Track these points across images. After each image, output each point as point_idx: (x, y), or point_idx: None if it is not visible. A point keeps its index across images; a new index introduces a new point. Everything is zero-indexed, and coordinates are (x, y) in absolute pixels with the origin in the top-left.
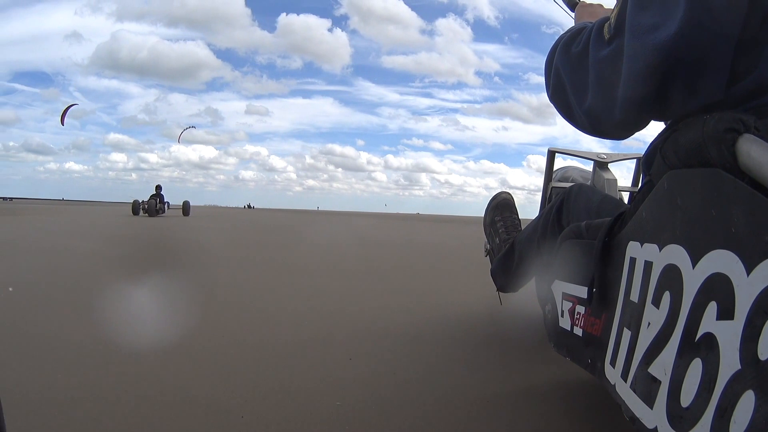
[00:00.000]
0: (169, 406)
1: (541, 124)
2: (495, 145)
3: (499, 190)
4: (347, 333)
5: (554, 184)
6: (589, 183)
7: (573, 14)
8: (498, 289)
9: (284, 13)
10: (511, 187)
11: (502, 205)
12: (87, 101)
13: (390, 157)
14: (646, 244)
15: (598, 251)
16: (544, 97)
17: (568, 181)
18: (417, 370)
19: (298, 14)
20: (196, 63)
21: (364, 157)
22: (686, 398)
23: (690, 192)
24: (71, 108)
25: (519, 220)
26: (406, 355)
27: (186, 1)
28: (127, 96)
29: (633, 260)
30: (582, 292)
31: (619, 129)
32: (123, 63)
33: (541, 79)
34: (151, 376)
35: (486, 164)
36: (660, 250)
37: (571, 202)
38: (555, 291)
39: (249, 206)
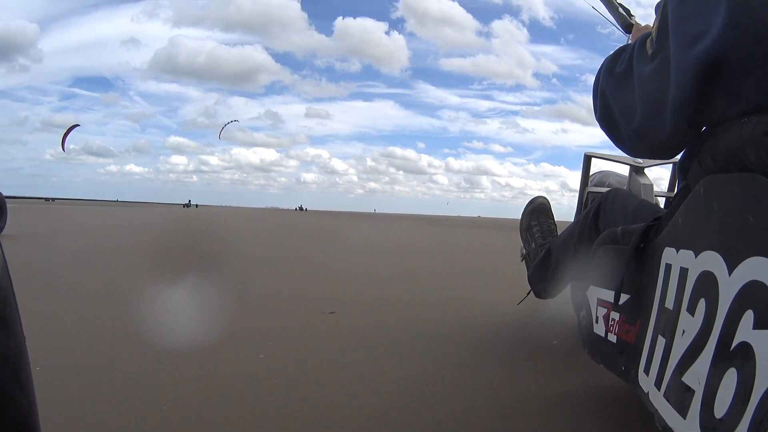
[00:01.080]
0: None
1: None
2: (555, 147)
3: (536, 195)
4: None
5: (590, 188)
6: (625, 188)
7: (628, 36)
8: (535, 295)
9: (341, 17)
10: (571, 190)
11: (538, 210)
12: (147, 105)
13: (451, 160)
14: (681, 251)
15: (629, 255)
16: None
17: (604, 186)
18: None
19: (354, 17)
20: (255, 67)
21: (425, 159)
22: (720, 409)
23: (727, 197)
24: (73, 130)
25: (555, 225)
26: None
27: (242, 6)
28: (186, 99)
29: (668, 266)
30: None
31: (668, 146)
32: (182, 67)
33: None
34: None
35: (546, 167)
36: (696, 257)
37: (607, 207)
38: (590, 297)
39: (301, 208)
